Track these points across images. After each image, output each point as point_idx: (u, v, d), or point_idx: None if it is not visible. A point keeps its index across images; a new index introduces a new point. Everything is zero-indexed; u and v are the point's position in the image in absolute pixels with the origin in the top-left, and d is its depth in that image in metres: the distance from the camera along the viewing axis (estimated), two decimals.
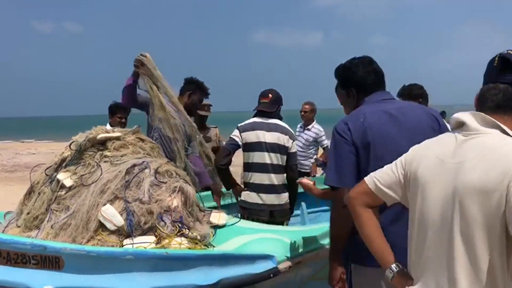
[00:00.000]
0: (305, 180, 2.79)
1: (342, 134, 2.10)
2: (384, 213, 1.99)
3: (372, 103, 2.20)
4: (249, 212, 3.56)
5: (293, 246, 2.82)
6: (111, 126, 4.69)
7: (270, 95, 3.70)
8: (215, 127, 5.57)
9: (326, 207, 5.89)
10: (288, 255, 2.76)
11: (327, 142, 6.15)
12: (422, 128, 2.09)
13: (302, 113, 6.32)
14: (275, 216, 3.60)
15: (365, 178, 1.79)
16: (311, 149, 6.35)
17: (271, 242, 2.80)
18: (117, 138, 2.90)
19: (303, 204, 5.12)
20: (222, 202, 4.32)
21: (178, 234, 2.53)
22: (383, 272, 1.99)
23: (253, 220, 3.48)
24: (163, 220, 2.54)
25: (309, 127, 6.29)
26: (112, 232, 2.44)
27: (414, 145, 2.04)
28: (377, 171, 1.80)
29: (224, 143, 5.64)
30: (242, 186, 3.72)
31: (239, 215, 3.62)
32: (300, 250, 2.86)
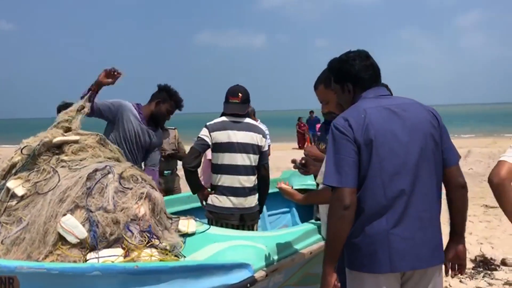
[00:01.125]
0: (284, 185, 2.67)
1: (343, 130, 1.97)
2: (386, 215, 1.91)
3: (370, 99, 2.09)
4: (218, 217, 3.38)
5: (268, 253, 2.68)
6: None
7: (240, 94, 3.52)
8: (174, 129, 5.35)
9: (285, 209, 5.82)
10: (264, 262, 2.63)
11: (269, 142, 5.94)
12: (423, 125, 2.02)
13: None
14: (246, 219, 3.45)
15: (505, 159, 2.10)
16: None
17: (245, 249, 2.65)
18: (75, 141, 2.64)
19: (263, 207, 5.01)
20: (185, 207, 4.11)
21: (148, 245, 2.32)
22: (382, 278, 1.92)
23: (221, 225, 3.31)
24: (130, 230, 2.32)
25: None
26: (74, 246, 2.19)
27: (416, 142, 1.97)
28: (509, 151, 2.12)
29: (183, 145, 5.45)
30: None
31: (207, 220, 3.44)
32: (275, 256, 2.73)
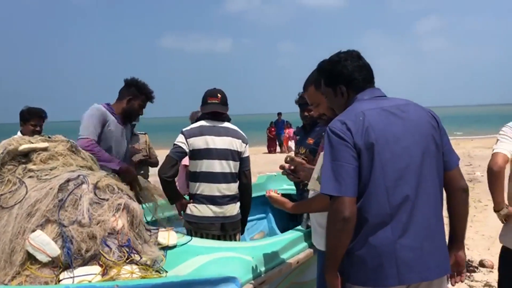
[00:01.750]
0: (274, 193, 2.53)
1: (341, 135, 1.83)
2: (391, 224, 1.79)
3: (366, 101, 1.97)
4: (197, 227, 3.22)
5: (255, 265, 2.54)
6: (22, 134, 4.09)
7: (219, 95, 3.36)
8: (144, 134, 5.13)
9: (262, 215, 5.67)
10: (251, 275, 2.49)
11: None
12: (423, 126, 1.93)
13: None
14: (227, 229, 3.29)
15: (498, 150, 2.64)
16: None
17: (231, 261, 2.50)
18: (44, 149, 2.41)
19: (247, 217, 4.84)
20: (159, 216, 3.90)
21: (127, 261, 2.12)
22: None
23: (202, 235, 3.14)
24: (108, 246, 2.12)
25: None
26: (45, 265, 1.97)
27: (418, 145, 1.87)
28: (501, 143, 2.61)
29: (154, 150, 5.23)
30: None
31: (185, 230, 3.26)
32: (262, 268, 2.59)
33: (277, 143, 21.41)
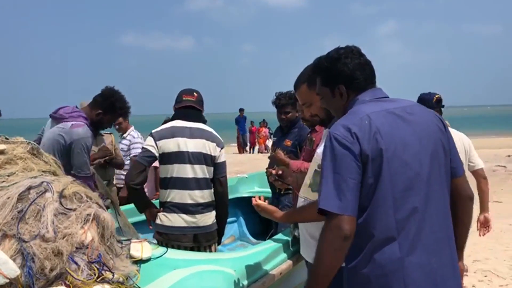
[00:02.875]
0: (260, 201, 2.34)
1: (346, 143, 1.64)
2: (398, 239, 1.63)
3: (369, 103, 1.79)
4: (168, 238, 2.95)
5: (237, 278, 2.35)
6: None
7: (195, 94, 3.12)
8: (110, 134, 4.82)
9: (232, 218, 5.48)
10: None
11: (136, 151, 4.99)
12: (431, 130, 1.77)
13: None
14: (200, 240, 3.02)
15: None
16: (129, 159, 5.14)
17: (212, 275, 2.30)
18: (1, 152, 2.12)
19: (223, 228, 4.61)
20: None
21: (98, 279, 1.88)
22: None
23: (173, 247, 2.88)
24: (75, 262, 1.87)
25: (125, 135, 5.30)
26: (2, 287, 1.71)
27: (427, 150, 1.71)
28: None
29: (120, 151, 4.92)
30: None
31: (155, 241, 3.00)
32: (245, 281, 2.40)
33: (240, 142, 20.34)
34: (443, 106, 3.60)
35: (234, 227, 5.52)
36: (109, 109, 3.20)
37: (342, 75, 1.85)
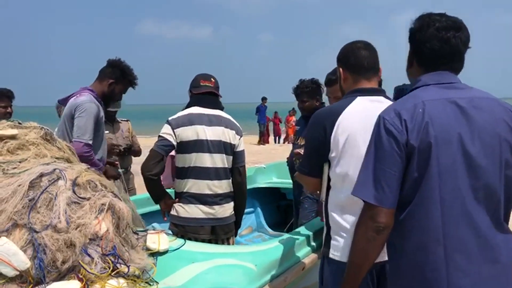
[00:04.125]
0: None
1: (393, 130, 1.51)
2: (443, 244, 1.47)
3: (430, 87, 1.59)
4: (185, 230, 2.80)
5: (258, 273, 2.22)
6: None
7: (213, 80, 2.97)
8: (127, 121, 4.72)
9: (250, 209, 5.35)
10: (254, 286, 2.16)
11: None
12: (497, 128, 1.53)
13: None
14: (218, 232, 2.88)
15: None
16: None
17: (231, 270, 2.18)
18: (12, 137, 2.02)
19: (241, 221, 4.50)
20: (143, 210, 3.52)
21: (113, 273, 1.78)
22: None
23: (189, 239, 2.75)
24: (89, 255, 1.77)
25: None
26: (12, 280, 1.61)
27: (487, 151, 1.49)
28: None
29: (137, 139, 4.83)
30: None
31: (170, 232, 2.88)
32: (267, 277, 2.28)
33: (260, 132, 19.56)
34: None
35: (252, 218, 5.39)
36: (119, 77, 3.14)
37: (418, 43, 1.65)
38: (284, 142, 19.44)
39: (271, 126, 20.64)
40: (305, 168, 2.10)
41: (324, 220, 2.08)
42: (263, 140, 19.56)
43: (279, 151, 15.14)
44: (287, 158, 4.02)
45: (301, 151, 3.18)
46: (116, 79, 3.12)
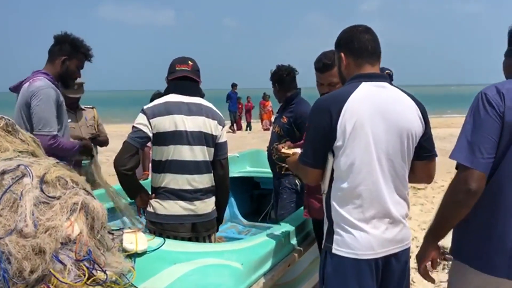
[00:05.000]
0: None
1: (492, 102, 1.70)
2: None
3: None
4: (163, 228, 2.59)
5: (245, 273, 2.09)
6: None
7: (190, 62, 2.72)
8: (92, 108, 4.43)
9: None
10: (243, 286, 2.03)
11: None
12: None
13: None
14: (199, 229, 2.68)
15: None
16: None
17: (217, 271, 2.04)
18: None
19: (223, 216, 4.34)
20: (112, 204, 3.28)
21: (89, 281, 1.59)
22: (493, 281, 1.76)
23: (168, 237, 2.54)
24: (61, 262, 1.57)
25: None
26: None
27: None
28: None
29: (103, 127, 4.55)
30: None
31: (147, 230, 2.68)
32: (254, 276, 2.16)
33: (231, 120, 18.60)
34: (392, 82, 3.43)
35: (226, 210, 5.26)
36: (71, 51, 2.89)
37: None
38: (264, 129, 18.33)
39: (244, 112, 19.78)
40: (309, 159, 1.91)
41: (325, 214, 1.95)
42: (235, 127, 18.82)
43: (247, 138, 15.02)
44: (267, 147, 3.87)
45: (284, 146, 3.00)
46: (68, 54, 2.86)
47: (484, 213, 1.75)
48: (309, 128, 1.93)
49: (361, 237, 1.82)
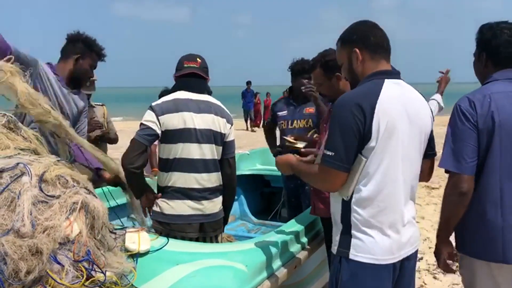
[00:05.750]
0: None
1: (466, 113, 1.98)
2: (500, 206, 2.00)
3: (499, 82, 2.04)
4: (170, 228, 2.55)
5: (249, 275, 2.04)
6: None
7: (198, 59, 2.68)
8: (102, 105, 4.43)
9: None
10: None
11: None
12: None
13: None
14: (206, 229, 2.63)
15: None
16: None
17: (221, 272, 2.00)
18: None
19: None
20: (120, 201, 3.25)
21: (87, 282, 1.56)
22: (495, 266, 2.01)
23: (175, 238, 2.50)
24: (59, 262, 1.54)
25: None
26: None
27: None
28: None
29: (113, 124, 4.55)
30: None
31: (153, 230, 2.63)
32: (258, 277, 2.11)
33: (247, 118, 18.37)
34: None
35: (235, 206, 5.19)
36: (84, 49, 2.82)
37: (488, 43, 2.09)
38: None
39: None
40: (343, 162, 1.71)
41: (340, 217, 1.83)
42: (252, 124, 18.45)
43: (258, 136, 14.95)
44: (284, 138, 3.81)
45: (291, 138, 2.93)
46: (82, 53, 2.80)
47: (475, 206, 2.01)
48: (338, 127, 1.73)
49: (382, 241, 1.76)
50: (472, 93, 2.03)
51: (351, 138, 1.71)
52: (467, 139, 1.95)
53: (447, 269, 2.15)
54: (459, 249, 2.12)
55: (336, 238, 1.86)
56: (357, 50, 1.84)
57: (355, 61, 1.86)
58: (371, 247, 1.75)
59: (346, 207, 1.81)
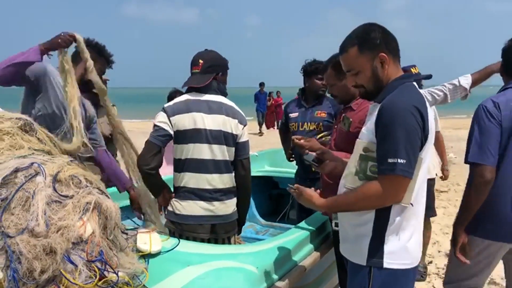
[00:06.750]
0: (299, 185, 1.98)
1: (492, 113, 2.22)
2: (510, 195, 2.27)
3: None
4: (182, 228, 2.56)
5: (260, 277, 2.03)
6: None
7: (201, 61, 2.64)
8: (112, 106, 4.44)
9: None
10: None
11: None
12: None
13: None
14: (218, 231, 2.63)
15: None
16: None
17: (231, 274, 1.99)
18: None
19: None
20: (128, 203, 3.27)
21: (100, 282, 1.56)
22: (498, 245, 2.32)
23: (187, 239, 2.50)
24: (72, 262, 1.55)
25: None
26: None
27: None
28: None
29: (123, 126, 4.56)
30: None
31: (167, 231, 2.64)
32: (269, 280, 2.09)
33: (259, 121, 17.76)
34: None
35: None
36: (95, 56, 2.82)
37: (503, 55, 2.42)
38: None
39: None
40: (411, 168, 1.64)
41: (372, 226, 1.76)
42: (262, 129, 17.91)
43: (267, 137, 14.92)
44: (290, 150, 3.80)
45: (299, 139, 2.85)
46: (92, 58, 2.84)
47: (494, 196, 2.23)
48: (404, 132, 1.62)
49: (416, 244, 1.81)
50: (496, 96, 2.29)
51: (418, 143, 1.65)
52: (492, 135, 2.18)
53: (461, 257, 2.33)
54: (468, 231, 2.32)
55: (362, 247, 1.78)
56: (384, 55, 1.77)
57: (381, 67, 1.79)
58: (407, 252, 1.77)
59: (384, 214, 1.74)
